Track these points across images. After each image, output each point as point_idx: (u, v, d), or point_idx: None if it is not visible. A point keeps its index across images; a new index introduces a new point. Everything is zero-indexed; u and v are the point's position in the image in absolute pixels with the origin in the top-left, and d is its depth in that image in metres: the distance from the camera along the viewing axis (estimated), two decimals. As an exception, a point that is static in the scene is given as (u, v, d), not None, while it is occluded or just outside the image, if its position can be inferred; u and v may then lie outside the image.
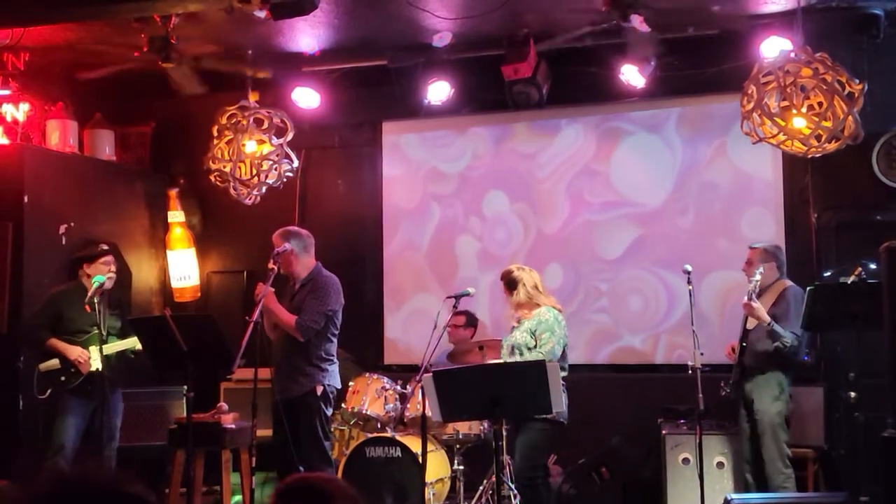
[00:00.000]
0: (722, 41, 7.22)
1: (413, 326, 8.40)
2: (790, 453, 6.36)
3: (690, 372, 6.08)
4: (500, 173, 8.40)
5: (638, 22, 6.48)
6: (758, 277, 6.29)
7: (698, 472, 6.13)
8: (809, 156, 6.38)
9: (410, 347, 8.35)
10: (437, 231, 8.54)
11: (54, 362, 6.52)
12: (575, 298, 8.04)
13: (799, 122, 6.11)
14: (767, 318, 6.25)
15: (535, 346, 6.01)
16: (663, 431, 6.92)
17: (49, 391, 6.51)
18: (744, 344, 6.44)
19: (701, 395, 6.04)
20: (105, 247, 6.86)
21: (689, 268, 6.24)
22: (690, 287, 6.15)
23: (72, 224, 7.80)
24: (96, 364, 6.51)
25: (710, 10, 6.84)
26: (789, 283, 6.57)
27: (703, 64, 7.51)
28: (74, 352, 6.50)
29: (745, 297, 6.30)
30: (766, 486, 6.33)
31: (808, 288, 6.18)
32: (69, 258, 7.01)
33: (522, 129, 8.36)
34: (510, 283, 6.25)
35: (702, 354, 6.17)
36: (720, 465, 6.70)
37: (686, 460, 6.76)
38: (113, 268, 6.80)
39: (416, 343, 8.16)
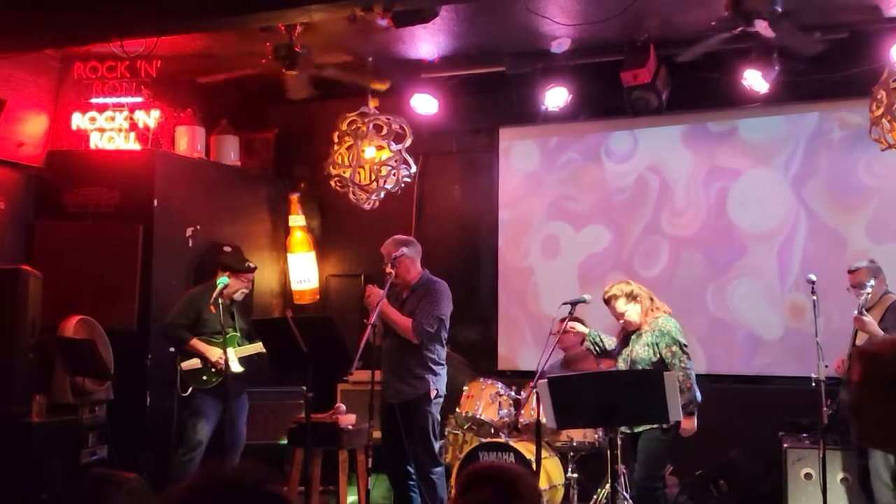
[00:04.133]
0: (850, 45, 7.01)
1: (528, 332, 8.40)
2: None
3: (814, 384, 5.92)
4: (617, 179, 8.32)
5: (763, 27, 6.34)
6: (868, 290, 6.11)
7: (821, 487, 5.97)
8: (943, 163, 6.14)
9: (525, 353, 8.34)
10: (552, 237, 8.51)
11: (195, 362, 6.77)
12: (694, 302, 7.91)
13: (932, 128, 5.89)
14: (880, 332, 6.04)
15: (662, 361, 5.92)
16: (784, 445, 6.74)
17: (190, 389, 6.76)
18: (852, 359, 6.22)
19: (825, 409, 5.88)
20: (252, 265, 7.08)
21: (813, 277, 6.09)
22: (815, 297, 5.99)
23: (198, 227, 8.06)
24: (233, 366, 6.73)
25: (838, 15, 6.66)
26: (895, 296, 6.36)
27: (831, 68, 7.30)
28: (215, 353, 6.73)
29: (855, 311, 6.10)
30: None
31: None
32: (217, 260, 7.21)
33: (641, 136, 8.26)
34: (630, 296, 6.12)
35: (826, 367, 6.01)
36: (844, 480, 6.48)
37: (808, 475, 6.57)
38: (249, 286, 7.02)
39: (531, 349, 8.16)
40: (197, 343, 6.79)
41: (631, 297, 6.10)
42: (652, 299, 6.15)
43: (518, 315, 8.55)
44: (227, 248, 7.70)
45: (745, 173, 7.91)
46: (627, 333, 6.19)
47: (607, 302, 6.19)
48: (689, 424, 5.85)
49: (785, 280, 7.71)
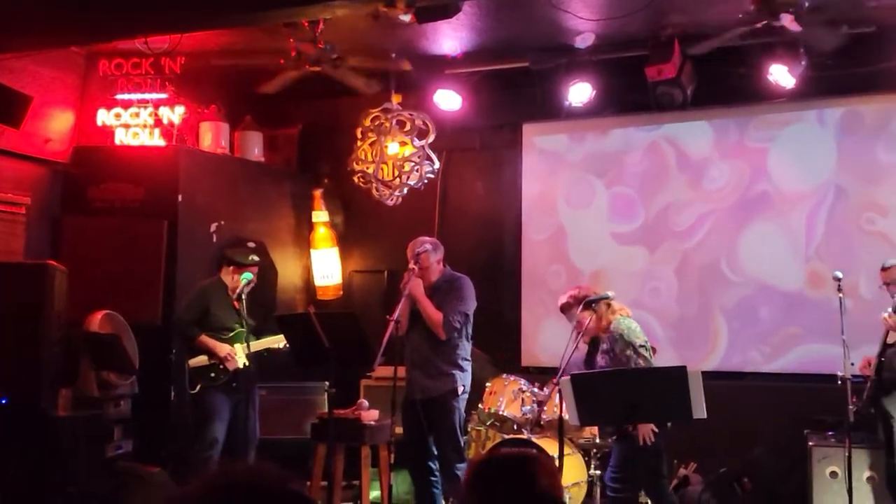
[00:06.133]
0: (878, 39, 6.94)
1: (551, 328, 8.36)
2: None
3: (840, 382, 5.87)
4: (640, 176, 8.28)
5: (788, 21, 6.29)
6: None
7: (847, 486, 5.91)
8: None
9: (548, 350, 8.31)
10: (576, 234, 8.48)
11: (203, 359, 6.76)
12: (711, 306, 7.89)
13: (962, 124, 5.81)
14: None
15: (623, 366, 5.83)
16: (810, 443, 6.69)
17: (199, 386, 6.76)
18: (882, 359, 6.16)
19: (851, 407, 5.83)
20: (256, 259, 7.07)
21: (839, 274, 6.03)
22: (841, 295, 5.94)
23: (222, 222, 8.09)
24: (241, 361, 6.72)
25: (865, 7, 6.59)
26: None
27: (858, 62, 7.23)
28: (223, 349, 6.72)
29: (890, 310, 6.01)
30: None
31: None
32: (220, 253, 7.25)
33: (665, 132, 8.21)
34: (588, 304, 5.91)
35: (852, 364, 5.96)
36: (871, 479, 6.42)
37: (834, 474, 6.51)
38: (254, 279, 6.98)
39: (554, 345, 8.13)
40: (205, 339, 6.75)
41: (591, 303, 5.95)
42: (609, 304, 6.02)
43: (541, 311, 8.51)
44: (251, 244, 7.73)
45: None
46: (591, 341, 6.11)
47: (562, 311, 6.10)
48: (645, 430, 5.69)
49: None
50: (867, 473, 6.44)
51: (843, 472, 6.29)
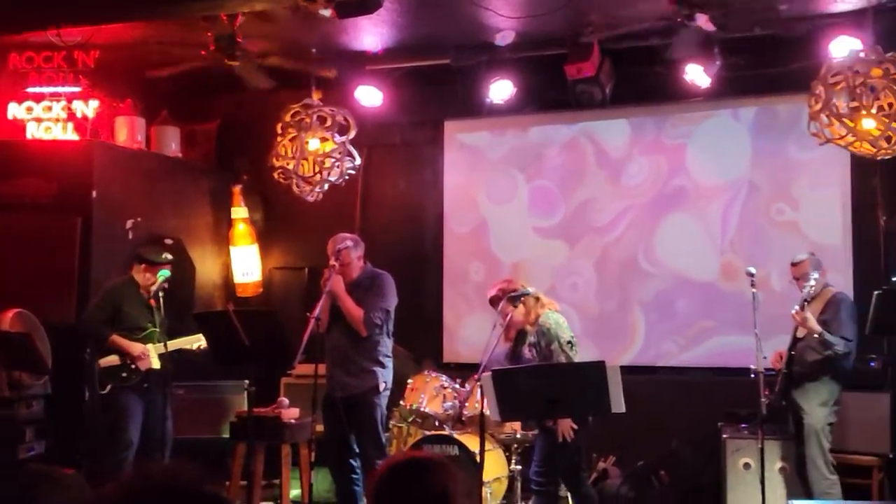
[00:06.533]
0: (789, 41, 7.12)
1: (472, 324, 8.40)
2: (833, 460, 6.27)
3: (753, 376, 6.01)
4: (560, 170, 8.37)
5: (703, 21, 6.41)
6: (812, 283, 6.18)
7: (760, 477, 6.05)
8: (878, 158, 6.24)
9: (469, 345, 8.35)
10: (497, 228, 8.54)
11: (113, 358, 6.59)
12: (629, 299, 8.02)
13: (868, 124, 5.98)
14: (819, 328, 6.15)
15: (547, 360, 5.87)
16: (724, 436, 6.83)
17: (109, 387, 6.60)
18: (792, 352, 6.34)
19: (764, 400, 5.98)
20: (169, 257, 6.92)
21: (752, 270, 6.17)
22: (754, 290, 6.07)
23: (138, 219, 7.93)
24: (154, 362, 6.59)
25: (778, 10, 6.75)
26: (835, 289, 6.49)
27: (770, 64, 7.41)
28: (136, 348, 6.57)
29: (797, 306, 6.18)
30: (810, 492, 6.24)
31: (875, 293, 6.05)
32: (134, 251, 7.10)
33: (585, 129, 8.31)
34: (514, 298, 5.91)
35: (765, 358, 6.11)
36: (783, 470, 6.59)
37: (747, 465, 6.67)
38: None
39: (475, 341, 8.17)
40: (117, 339, 6.58)
41: (517, 297, 5.94)
42: (538, 298, 6.04)
43: (463, 307, 8.55)
44: (168, 241, 7.60)
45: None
46: (517, 334, 6.16)
47: (491, 304, 6.08)
48: (564, 427, 5.75)
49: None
50: (779, 464, 6.60)
51: (755, 463, 6.44)
